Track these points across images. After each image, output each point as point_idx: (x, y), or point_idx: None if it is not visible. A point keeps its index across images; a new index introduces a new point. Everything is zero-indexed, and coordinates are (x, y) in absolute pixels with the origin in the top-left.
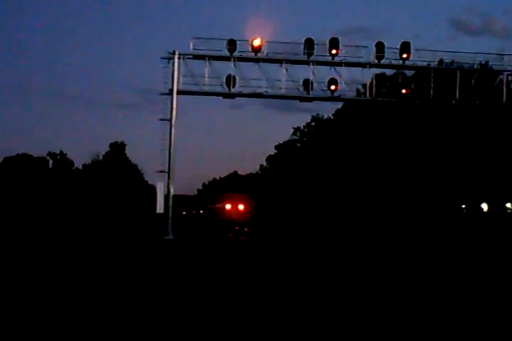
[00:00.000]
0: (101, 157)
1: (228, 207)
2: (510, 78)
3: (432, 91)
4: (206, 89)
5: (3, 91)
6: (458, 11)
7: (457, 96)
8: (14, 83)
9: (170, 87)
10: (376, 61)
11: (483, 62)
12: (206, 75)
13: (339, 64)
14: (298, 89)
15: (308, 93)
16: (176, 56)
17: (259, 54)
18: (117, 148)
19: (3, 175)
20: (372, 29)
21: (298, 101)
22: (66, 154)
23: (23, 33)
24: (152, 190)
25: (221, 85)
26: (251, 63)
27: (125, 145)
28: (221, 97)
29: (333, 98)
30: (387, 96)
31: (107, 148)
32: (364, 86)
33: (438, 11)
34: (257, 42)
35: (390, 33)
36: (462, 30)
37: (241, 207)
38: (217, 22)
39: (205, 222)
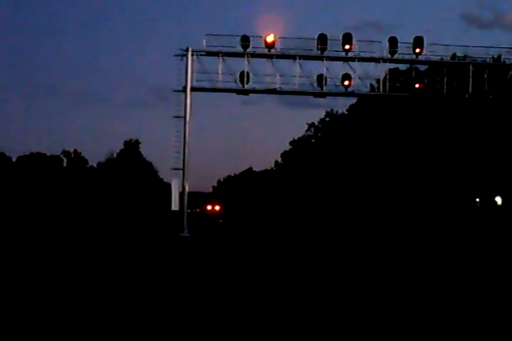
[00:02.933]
0: (115, 155)
1: (209, 207)
2: None
3: (445, 86)
4: (220, 85)
5: (17, 90)
6: (469, 5)
7: (470, 90)
8: (27, 81)
9: (183, 84)
10: (389, 56)
11: (495, 56)
12: (220, 72)
13: (352, 59)
14: (312, 84)
15: (322, 88)
16: (190, 53)
17: (272, 50)
18: (132, 146)
19: (17, 174)
20: (383, 24)
21: (312, 96)
22: (80, 152)
23: (37, 31)
24: (167, 187)
25: (235, 82)
26: (264, 59)
27: (139, 142)
28: (235, 94)
29: (346, 93)
30: (400, 91)
31: (121, 146)
32: (378, 81)
33: (449, 5)
34: (270, 39)
35: (401, 28)
36: (473, 23)
37: (217, 207)
38: (231, 18)
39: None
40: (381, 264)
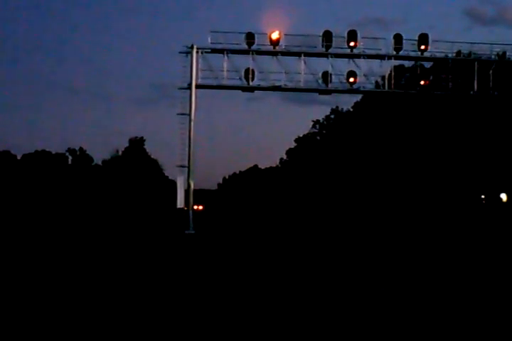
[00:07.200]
0: (120, 152)
1: (195, 207)
2: None
3: (450, 83)
4: (225, 82)
5: (22, 88)
6: (472, 1)
7: (475, 87)
8: (33, 80)
9: (188, 81)
10: (395, 53)
11: (500, 53)
12: (225, 69)
13: (358, 56)
14: (317, 81)
15: (327, 86)
16: (194, 50)
17: (277, 47)
18: (136, 144)
19: (22, 172)
20: (387, 20)
21: (317, 93)
22: (85, 150)
23: (41, 30)
24: (172, 185)
25: (240, 79)
26: (269, 56)
27: (144, 140)
28: (240, 91)
29: (352, 90)
30: (405, 88)
31: (126, 144)
32: (383, 78)
33: (452, 1)
34: (275, 36)
35: (405, 24)
36: (477, 20)
37: (200, 207)
38: (235, 15)
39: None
40: (382, 261)
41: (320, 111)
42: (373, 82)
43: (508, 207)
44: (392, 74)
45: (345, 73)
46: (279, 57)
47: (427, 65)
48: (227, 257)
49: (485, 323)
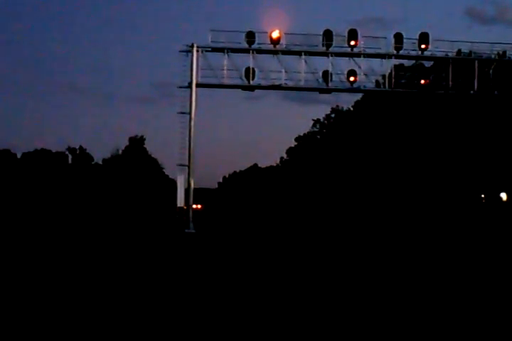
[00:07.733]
0: (120, 151)
1: (194, 206)
2: None
3: (450, 82)
4: (225, 81)
5: (22, 87)
6: (473, 1)
7: (476, 86)
8: (33, 78)
9: (189, 80)
10: (395, 52)
11: (500, 52)
12: (225, 68)
13: (358, 55)
14: (317, 80)
15: (327, 84)
16: (195, 49)
17: (277, 46)
18: (137, 143)
19: (22, 170)
20: (388, 19)
21: (317, 92)
22: (85, 149)
23: (41, 30)
24: (173, 184)
25: (240, 78)
26: (270, 55)
27: (144, 139)
28: (240, 90)
29: (352, 89)
30: (406, 87)
31: (126, 143)
32: (383, 77)
33: (453, 1)
34: (275, 34)
35: (405, 23)
36: (477, 19)
37: (199, 206)
38: (236, 14)
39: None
40: (382, 260)
41: (320, 110)
42: (373, 81)
43: (508, 207)
44: (393, 73)
45: (345, 72)
46: (280, 56)
47: (428, 64)
48: (227, 256)
49: (485, 322)
